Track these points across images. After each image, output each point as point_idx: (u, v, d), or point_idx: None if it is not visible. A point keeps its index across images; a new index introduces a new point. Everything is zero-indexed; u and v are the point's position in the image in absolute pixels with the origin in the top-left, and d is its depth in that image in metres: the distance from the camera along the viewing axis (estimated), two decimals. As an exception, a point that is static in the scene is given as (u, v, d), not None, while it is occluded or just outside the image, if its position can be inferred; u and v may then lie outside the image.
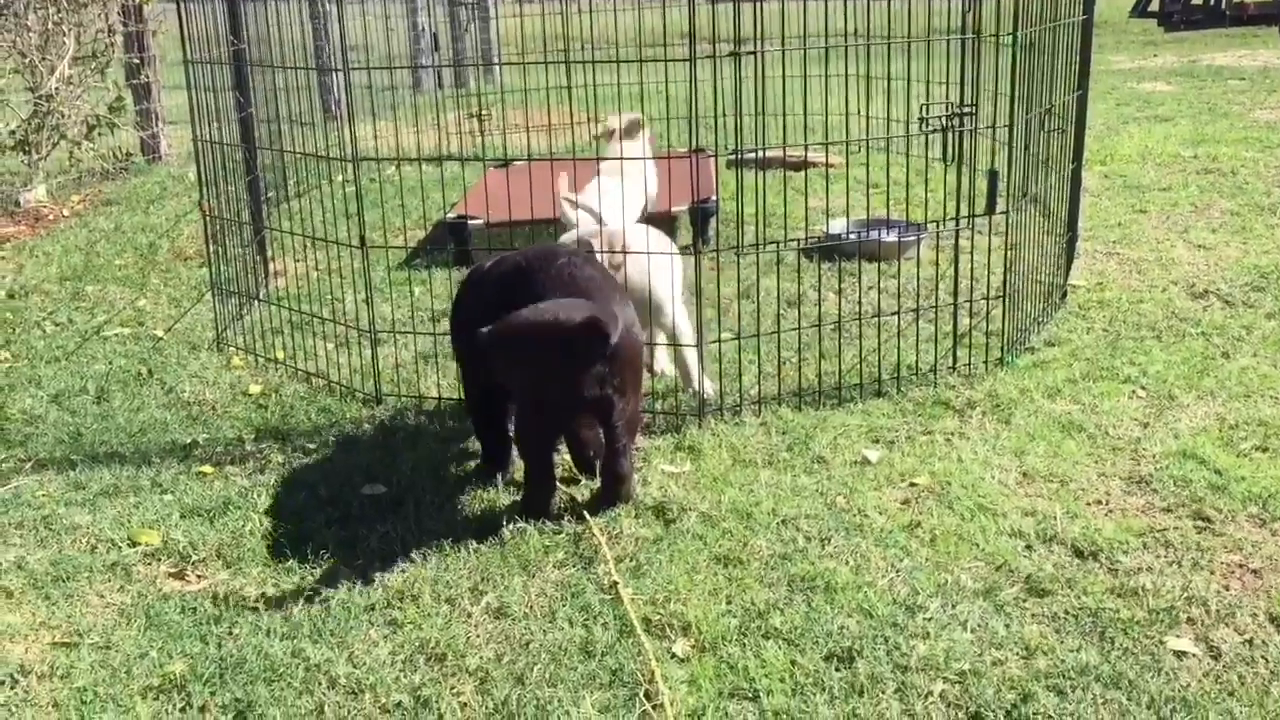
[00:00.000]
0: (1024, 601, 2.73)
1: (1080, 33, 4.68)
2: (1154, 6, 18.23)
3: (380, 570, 2.93)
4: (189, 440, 3.79)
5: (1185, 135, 8.58)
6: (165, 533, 3.15)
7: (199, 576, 2.97)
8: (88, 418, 4.01)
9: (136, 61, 8.87)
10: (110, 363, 4.53)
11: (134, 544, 3.10)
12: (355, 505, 3.29)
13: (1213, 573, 2.82)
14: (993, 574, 2.84)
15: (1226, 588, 2.77)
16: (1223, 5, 17.42)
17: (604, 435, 3.18)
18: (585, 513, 3.14)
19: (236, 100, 4.79)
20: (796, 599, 2.76)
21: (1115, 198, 6.65)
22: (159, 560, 3.04)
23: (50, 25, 8.18)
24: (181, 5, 4.65)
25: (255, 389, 4.23)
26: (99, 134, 8.52)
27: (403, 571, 2.93)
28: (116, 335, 4.90)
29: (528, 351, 3.06)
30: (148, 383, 4.31)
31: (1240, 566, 2.86)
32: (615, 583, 2.82)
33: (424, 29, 11.85)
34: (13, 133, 8.06)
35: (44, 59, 8.13)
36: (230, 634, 2.71)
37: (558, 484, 3.26)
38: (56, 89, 8.09)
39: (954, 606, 2.70)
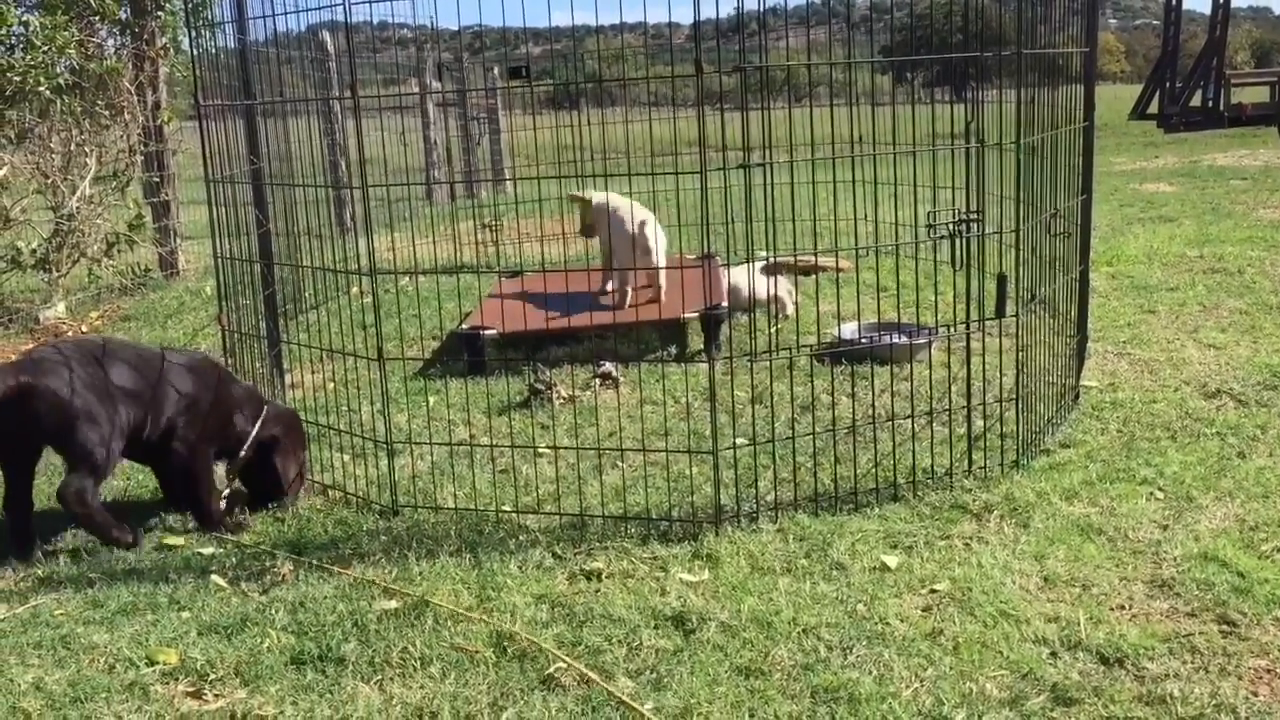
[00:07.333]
0: (1050, 711, 2.69)
1: (1082, 138, 4.77)
2: (1153, 109, 18.52)
3: (400, 686, 2.91)
4: (207, 553, 3.80)
5: (1190, 235, 8.68)
6: (183, 651, 3.13)
7: (216, 695, 2.95)
8: (105, 534, 4.01)
9: (156, 180, 9.07)
10: (128, 478, 4.55)
11: (152, 663, 3.08)
12: (372, 619, 3.28)
13: (1240, 678, 2.79)
14: (1018, 683, 2.81)
15: (1255, 694, 2.73)
16: (1221, 106, 17.70)
17: None
18: None
19: (256, 217, 4.89)
20: (820, 711, 2.72)
21: (1123, 298, 6.71)
22: (176, 679, 3.02)
23: (73, 147, 8.39)
24: (203, 124, 4.77)
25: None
26: (118, 251, 8.68)
27: (422, 688, 2.90)
28: (134, 450, 4.91)
29: None
30: (164, 497, 4.33)
31: (1268, 671, 2.82)
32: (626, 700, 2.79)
33: (436, 143, 12.11)
34: (34, 251, 8.21)
35: (66, 179, 8.32)
36: (248, 754, 2.68)
37: None
38: (78, 208, 8.26)
39: (980, 717, 2.67)
